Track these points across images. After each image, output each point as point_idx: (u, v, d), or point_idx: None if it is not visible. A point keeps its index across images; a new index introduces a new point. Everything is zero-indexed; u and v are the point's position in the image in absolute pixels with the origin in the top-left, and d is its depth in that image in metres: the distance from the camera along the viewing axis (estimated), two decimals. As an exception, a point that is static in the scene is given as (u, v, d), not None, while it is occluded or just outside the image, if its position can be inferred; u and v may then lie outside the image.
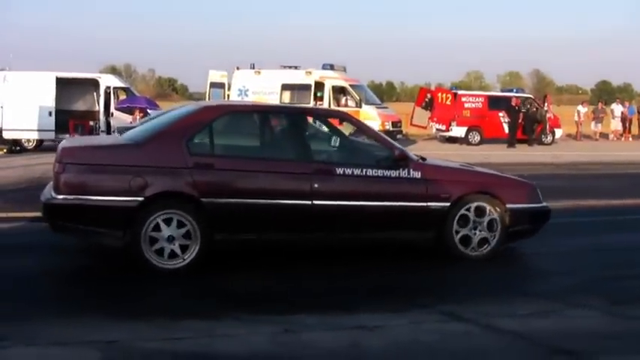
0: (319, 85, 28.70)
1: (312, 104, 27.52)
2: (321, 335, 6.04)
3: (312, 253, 8.75)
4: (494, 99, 32.67)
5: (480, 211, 8.76)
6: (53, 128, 24.28)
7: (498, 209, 8.79)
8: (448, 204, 8.63)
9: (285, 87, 29.13)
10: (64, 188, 7.68)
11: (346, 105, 27.66)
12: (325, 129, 9.59)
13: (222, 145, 8.56)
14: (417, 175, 8.57)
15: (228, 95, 29.92)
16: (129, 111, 24.53)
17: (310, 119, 9.60)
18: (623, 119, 37.83)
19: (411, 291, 7.56)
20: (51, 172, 8.34)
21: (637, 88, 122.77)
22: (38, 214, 8.52)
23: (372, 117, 27.04)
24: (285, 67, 30.55)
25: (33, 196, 8.89)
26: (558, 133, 33.02)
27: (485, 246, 8.81)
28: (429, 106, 32.40)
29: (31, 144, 25.14)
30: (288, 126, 8.95)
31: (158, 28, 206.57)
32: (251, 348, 5.72)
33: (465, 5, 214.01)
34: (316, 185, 8.21)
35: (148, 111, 23.34)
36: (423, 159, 8.99)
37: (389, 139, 9.35)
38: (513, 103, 30.62)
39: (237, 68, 30.71)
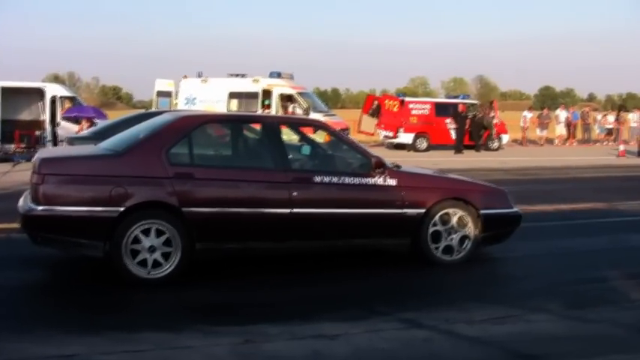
0: (267, 93, 28.72)
1: (259, 112, 27.54)
2: (281, 345, 6.02)
3: (273, 263, 8.75)
4: (441, 105, 32.88)
5: (453, 217, 8.96)
6: (-1, 138, 23.99)
7: (471, 215, 9.00)
8: (423, 210, 8.80)
9: (232, 95, 29.11)
10: (44, 199, 7.63)
11: (294, 112, 27.67)
12: (301, 138, 9.57)
13: (201, 154, 8.62)
14: (393, 182, 8.73)
15: (176, 104, 29.78)
16: (75, 120, 24.30)
17: (286, 128, 9.56)
18: (568, 124, 38.45)
19: (371, 298, 7.55)
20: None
21: (579, 93, 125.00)
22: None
23: (320, 124, 27.05)
24: (232, 75, 30.50)
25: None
26: (505, 138, 33.37)
27: (459, 251, 9.00)
28: (375, 113, 32.55)
29: (-24, 155, 24.64)
30: (265, 135, 8.92)
31: (102, 36, 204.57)
32: (211, 359, 5.69)
33: (406, 11, 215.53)
34: (295, 193, 8.29)
35: (96, 120, 23.14)
36: (398, 166, 9.09)
37: (364, 147, 9.46)
38: (460, 110, 30.90)
39: (185, 77, 30.60)
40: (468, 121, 30.96)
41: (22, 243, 8.58)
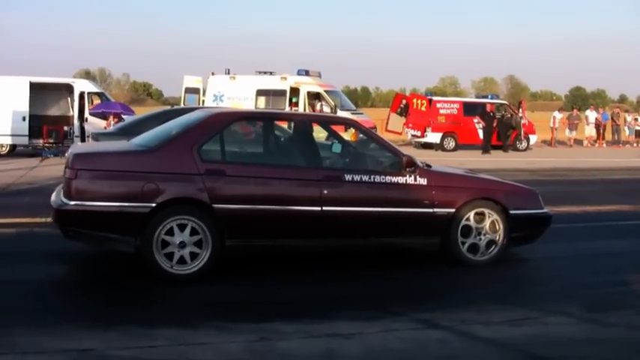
0: (294, 91, 28.75)
1: (289, 110, 27.57)
2: (296, 343, 6.02)
3: (291, 260, 8.75)
4: (469, 105, 32.81)
5: (483, 217, 8.94)
6: (27, 133, 24.26)
7: (501, 215, 8.96)
8: (453, 210, 8.79)
9: (260, 92, 29.13)
10: (76, 194, 7.72)
11: (321, 111, 27.67)
12: (332, 136, 9.59)
13: (232, 151, 8.76)
14: (424, 181, 8.73)
15: (203, 101, 29.87)
16: (103, 116, 24.45)
17: (317, 126, 9.52)
18: (597, 125, 38.16)
19: (387, 298, 7.53)
20: (23, 178, 8.27)
21: (610, 95, 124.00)
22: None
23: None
24: (260, 72, 30.55)
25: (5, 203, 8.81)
26: (533, 139, 33.24)
27: (489, 251, 8.99)
28: (404, 112, 32.47)
29: (4, 149, 24.90)
30: (296, 133, 9.04)
31: (133, 33, 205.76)
32: (225, 356, 5.69)
33: (439, 11, 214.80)
34: (326, 192, 8.32)
35: (123, 116, 23.28)
36: (428, 165, 9.13)
37: (394, 145, 9.44)
38: (488, 109, 30.76)
39: (212, 74, 30.68)
40: (495, 121, 30.83)
41: (46, 237, 8.66)
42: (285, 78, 29.26)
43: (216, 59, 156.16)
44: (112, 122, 23.21)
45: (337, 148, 9.22)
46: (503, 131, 31.18)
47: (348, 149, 9.44)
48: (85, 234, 7.90)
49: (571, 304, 7.40)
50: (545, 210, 9.49)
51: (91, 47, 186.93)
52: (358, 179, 8.51)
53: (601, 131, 38.49)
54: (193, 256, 7.83)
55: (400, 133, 33.23)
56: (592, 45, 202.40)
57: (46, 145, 24.86)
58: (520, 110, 33.02)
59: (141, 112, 32.00)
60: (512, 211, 9.02)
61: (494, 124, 30.74)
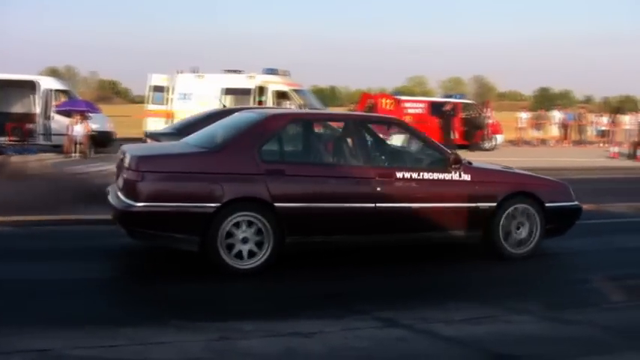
0: (262, 90, 28.64)
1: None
2: (256, 342, 6.02)
3: None
4: (436, 104, 32.90)
5: (522, 211, 9.43)
6: (-11, 130, 23.95)
7: (537, 209, 9.48)
8: (495, 204, 9.27)
9: (227, 91, 28.94)
10: (143, 196, 7.93)
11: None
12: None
13: (289, 151, 9.25)
14: (468, 177, 9.19)
15: (171, 99, 29.71)
16: (68, 114, 24.25)
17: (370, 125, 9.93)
18: (563, 126, 38.50)
19: (350, 297, 7.54)
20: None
21: (577, 95, 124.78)
22: None
23: (314, 122, 27.18)
24: (227, 71, 30.39)
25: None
26: (499, 138, 33.39)
27: (527, 244, 9.49)
28: (371, 111, 32.49)
29: (-34, 147, 24.54)
30: (350, 132, 9.27)
31: (101, 30, 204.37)
32: (184, 355, 5.67)
33: (408, 10, 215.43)
34: (379, 189, 8.70)
35: (89, 114, 23.15)
36: (470, 162, 9.47)
37: (439, 143, 9.93)
38: (446, 108, 30.99)
39: (179, 72, 30.50)
40: (455, 120, 30.96)
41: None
42: (253, 77, 29.15)
43: (185, 57, 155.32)
44: (78, 120, 23.05)
45: (388, 146, 9.99)
46: (469, 130, 31.33)
47: (397, 148, 10.10)
48: (150, 234, 8.15)
49: (532, 302, 7.50)
50: (575, 202, 10.00)
51: (57, 44, 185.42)
52: (408, 176, 8.90)
53: (566, 131, 38.82)
54: (254, 252, 8.17)
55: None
56: (560, 46, 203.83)
57: (10, 142, 24.60)
58: (486, 109, 33.20)
59: (108, 110, 32.00)
60: (547, 204, 9.55)
61: (452, 123, 30.89)
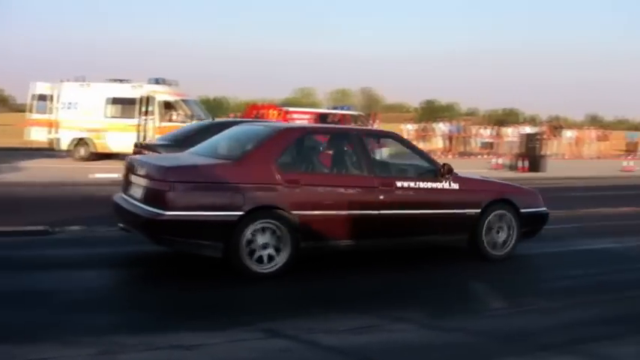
0: (148, 100, 28.21)
1: (139, 119, 27.25)
2: (138, 356, 5.93)
3: (139, 271, 8.92)
4: (322, 116, 33.22)
5: (501, 216, 10.42)
6: None
7: (514, 214, 10.52)
8: (479, 210, 10.23)
9: (112, 100, 28.38)
10: (172, 205, 8.31)
11: (177, 120, 27.32)
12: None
13: (303, 163, 9.77)
14: (456, 186, 10.08)
15: (55, 108, 28.99)
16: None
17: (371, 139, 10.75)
18: (448, 137, 39.35)
19: (235, 308, 7.54)
20: None
21: (462, 108, 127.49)
22: None
23: (201, 133, 27.05)
24: (113, 80, 29.82)
25: None
26: (385, 151, 33.77)
27: (505, 246, 10.51)
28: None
29: None
30: (355, 145, 9.86)
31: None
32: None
33: (297, 21, 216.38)
34: (381, 197, 9.45)
35: None
36: (456, 173, 10.21)
37: (430, 155, 10.93)
38: (330, 120, 31.39)
39: (63, 81, 29.78)
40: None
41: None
42: (140, 86, 28.66)
43: (73, 64, 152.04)
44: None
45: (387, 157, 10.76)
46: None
47: (396, 159, 10.88)
48: (178, 241, 8.55)
49: (414, 310, 7.63)
50: (545, 208, 11.10)
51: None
52: (407, 185, 9.71)
53: (451, 142, 39.70)
54: (272, 257, 8.73)
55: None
56: (447, 58, 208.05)
57: None
58: (374, 121, 33.68)
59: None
60: (522, 210, 10.61)
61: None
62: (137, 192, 8.89)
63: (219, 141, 10.19)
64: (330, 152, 10.29)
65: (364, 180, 9.47)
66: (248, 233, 8.56)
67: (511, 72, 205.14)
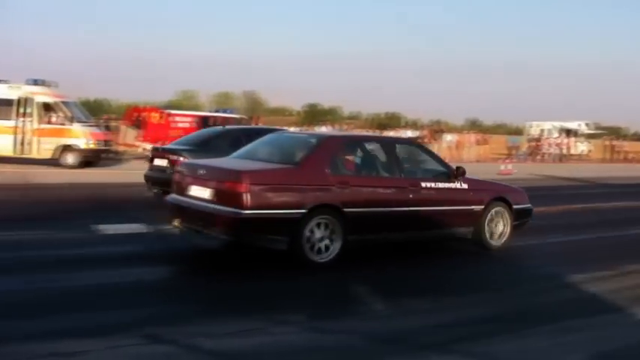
0: (27, 101, 27.49)
1: (16, 120, 26.65)
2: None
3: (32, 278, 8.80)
4: (204, 119, 33.09)
5: (498, 212, 12.19)
6: None
7: (509, 210, 12.33)
8: (483, 207, 11.98)
9: (-13, 101, 27.48)
10: (250, 204, 9.48)
11: (56, 122, 26.81)
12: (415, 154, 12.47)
13: (347, 166, 11.26)
14: (465, 186, 11.80)
15: None
16: None
17: (399, 146, 12.26)
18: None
19: (114, 314, 7.46)
20: None
21: (345, 111, 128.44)
22: None
23: (81, 135, 26.84)
24: (-12, 80, 28.79)
25: None
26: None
27: (501, 237, 12.31)
28: (139, 124, 32.21)
29: None
30: (388, 151, 11.48)
31: None
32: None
33: (176, 23, 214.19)
34: (411, 195, 10.98)
35: None
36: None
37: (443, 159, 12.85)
38: (211, 123, 31.40)
39: None
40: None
41: None
42: (18, 87, 27.82)
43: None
44: None
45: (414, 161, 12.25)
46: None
47: (421, 162, 12.25)
48: (253, 237, 9.77)
49: (297, 312, 7.75)
50: (530, 205, 12.97)
51: None
52: (430, 186, 11.34)
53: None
54: (328, 248, 10.06)
55: (136, 146, 32.94)
56: (331, 61, 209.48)
57: None
58: (256, 124, 33.78)
59: None
60: (514, 206, 12.44)
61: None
62: (203, 194, 10.12)
63: (264, 147, 11.57)
64: (369, 158, 11.61)
65: (397, 181, 11.04)
66: (309, 228, 9.84)
67: (394, 76, 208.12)
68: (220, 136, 16.62)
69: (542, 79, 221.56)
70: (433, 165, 11.94)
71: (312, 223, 9.90)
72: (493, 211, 12.10)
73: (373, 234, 10.72)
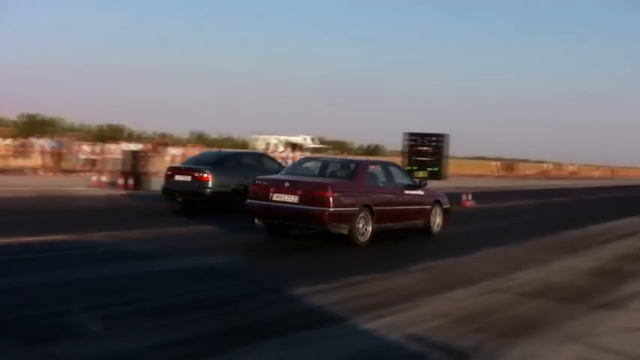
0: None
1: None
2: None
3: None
4: None
5: (437, 210, 18.42)
6: None
7: (441, 208, 18.63)
8: (430, 206, 18.10)
9: None
10: (333, 204, 14.44)
11: None
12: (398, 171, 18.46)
13: (373, 180, 16.45)
14: (422, 192, 17.90)
15: None
16: None
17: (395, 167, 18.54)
18: (51, 153, 38.39)
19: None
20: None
21: (68, 122, 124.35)
22: None
23: None
24: None
25: None
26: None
27: (439, 227, 18.51)
28: None
29: None
30: (391, 170, 17.58)
31: None
32: None
33: None
34: (401, 199, 16.94)
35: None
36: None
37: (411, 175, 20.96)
38: None
39: None
40: None
41: None
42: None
43: None
44: None
45: (400, 177, 18.13)
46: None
47: (403, 177, 18.16)
48: (333, 225, 14.58)
49: (11, 337, 7.22)
50: (449, 205, 19.55)
51: None
52: (409, 192, 17.36)
53: (54, 158, 38.73)
54: (366, 232, 15.36)
55: None
56: (44, 72, 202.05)
57: None
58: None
59: None
60: (444, 206, 18.81)
61: None
62: (291, 198, 14.74)
63: (311, 167, 17.24)
64: (382, 174, 17.07)
65: (397, 189, 16.93)
66: (357, 219, 15.00)
67: (119, 89, 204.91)
68: (228, 157, 23.09)
69: (271, 92, 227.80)
70: (408, 179, 18.25)
71: (360, 216, 15.06)
72: (434, 209, 18.30)
73: (385, 224, 16.16)
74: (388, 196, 16.56)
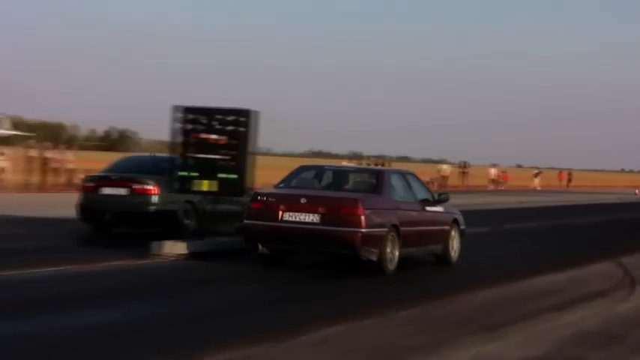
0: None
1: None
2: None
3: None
4: None
5: (456, 231, 15.28)
6: None
7: (459, 229, 15.44)
8: (449, 227, 15.03)
9: None
10: (366, 223, 12.32)
11: None
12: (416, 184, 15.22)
13: (396, 193, 13.82)
14: (442, 209, 15.09)
15: None
16: None
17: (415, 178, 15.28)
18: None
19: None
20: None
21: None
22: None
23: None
24: None
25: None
26: None
27: (456, 255, 15.26)
28: None
29: None
30: (409, 180, 14.71)
31: None
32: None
33: None
34: (423, 218, 14.30)
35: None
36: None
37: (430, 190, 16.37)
38: None
39: None
40: None
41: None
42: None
43: None
44: None
45: (421, 191, 15.16)
46: None
47: (424, 191, 15.25)
48: (364, 249, 12.35)
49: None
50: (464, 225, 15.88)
51: None
52: (430, 209, 14.62)
53: None
54: (394, 258, 13.02)
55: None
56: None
57: None
58: None
59: None
60: (461, 227, 15.53)
61: None
62: (309, 218, 12.43)
63: (319, 178, 14.40)
64: (407, 187, 14.57)
65: (416, 205, 14.18)
66: (387, 242, 12.77)
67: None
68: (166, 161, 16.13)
69: None
70: (426, 193, 15.14)
71: (388, 238, 12.77)
72: (453, 230, 15.64)
73: (409, 247, 13.61)
74: (412, 213, 13.82)
